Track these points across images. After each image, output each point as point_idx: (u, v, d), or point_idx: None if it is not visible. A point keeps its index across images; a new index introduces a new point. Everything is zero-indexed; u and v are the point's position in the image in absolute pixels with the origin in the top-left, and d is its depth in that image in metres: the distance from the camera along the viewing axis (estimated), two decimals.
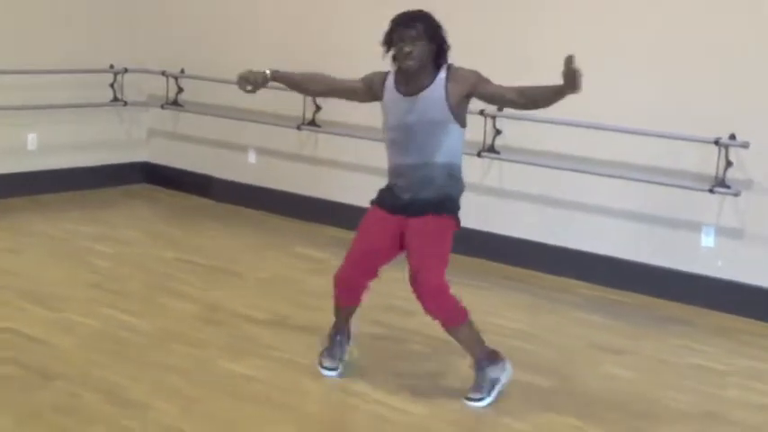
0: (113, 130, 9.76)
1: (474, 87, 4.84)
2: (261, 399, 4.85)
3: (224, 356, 5.36)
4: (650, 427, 4.81)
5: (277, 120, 8.71)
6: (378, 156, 7.50)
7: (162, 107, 9.62)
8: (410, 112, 4.86)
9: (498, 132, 7.46)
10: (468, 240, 7.61)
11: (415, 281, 4.78)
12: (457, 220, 4.99)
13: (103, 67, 9.42)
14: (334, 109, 8.23)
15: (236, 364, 5.25)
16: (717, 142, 6.47)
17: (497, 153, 7.48)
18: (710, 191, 6.54)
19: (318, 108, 8.34)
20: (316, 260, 7.32)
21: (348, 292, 5.06)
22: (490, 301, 6.68)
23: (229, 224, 8.55)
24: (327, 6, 8.51)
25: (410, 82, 4.87)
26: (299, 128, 8.53)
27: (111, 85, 9.51)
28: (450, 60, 4.88)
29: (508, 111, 7.31)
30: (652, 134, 6.77)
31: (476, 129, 7.43)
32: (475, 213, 7.58)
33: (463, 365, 5.14)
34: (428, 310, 4.84)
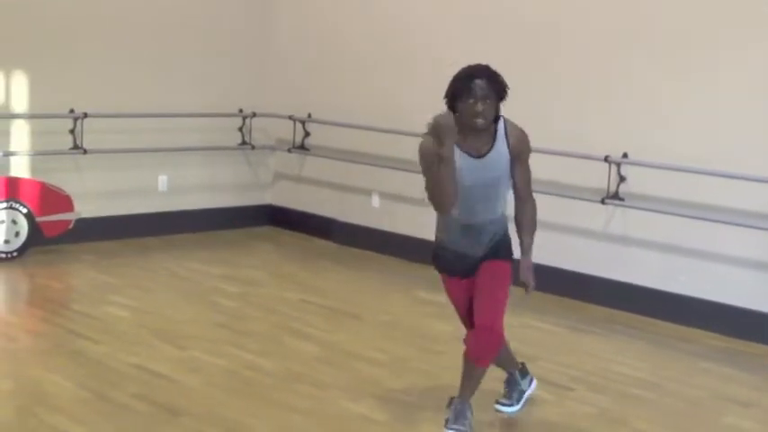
0: (241, 172, 9.98)
1: (521, 154, 4.83)
2: None
3: (345, 397, 5.42)
4: None
5: (400, 164, 8.79)
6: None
7: (288, 151, 9.80)
8: (477, 176, 4.74)
9: (623, 179, 7.42)
10: (590, 287, 7.61)
11: (480, 330, 4.78)
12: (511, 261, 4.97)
13: (233, 112, 9.65)
14: None
15: (357, 405, 5.30)
16: None
17: (621, 200, 7.44)
18: None
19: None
20: (437, 304, 7.32)
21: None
22: (612, 349, 6.62)
23: (351, 267, 8.64)
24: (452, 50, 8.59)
25: (474, 140, 4.74)
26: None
27: (240, 129, 9.73)
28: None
29: (633, 157, 7.30)
30: None
31: (600, 175, 7.43)
32: (598, 260, 7.57)
33: (584, 415, 5.11)
34: (476, 351, 4.80)
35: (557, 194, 7.71)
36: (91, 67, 8.75)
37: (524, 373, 5.32)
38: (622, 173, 7.42)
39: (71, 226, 8.43)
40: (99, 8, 8.81)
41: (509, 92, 4.76)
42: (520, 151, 4.80)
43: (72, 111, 8.57)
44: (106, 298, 7.19)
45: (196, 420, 4.99)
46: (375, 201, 9.22)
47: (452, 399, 4.92)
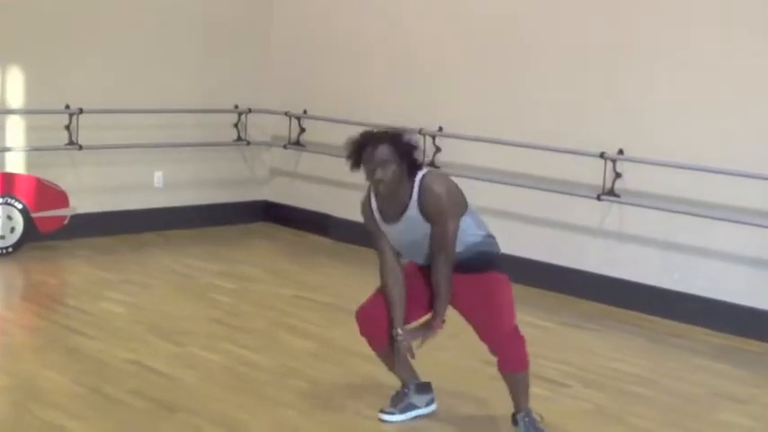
0: (236, 168, 9.97)
1: (432, 216, 4.64)
2: None
3: (341, 394, 5.42)
4: None
5: None
6: (493, 194, 7.55)
7: (284, 147, 9.79)
8: (402, 234, 4.74)
9: (618, 175, 7.42)
10: (586, 284, 7.61)
11: (503, 339, 4.79)
12: (503, 274, 4.88)
13: (228, 108, 9.64)
14: (454, 149, 8.31)
15: (354, 401, 5.30)
16: None
17: (617, 196, 7.43)
18: None
19: (438, 149, 8.40)
20: None
21: None
22: (609, 345, 6.64)
23: (347, 263, 8.64)
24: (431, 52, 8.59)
25: (391, 202, 4.73)
26: None
27: (236, 125, 9.72)
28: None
29: (629, 153, 7.30)
30: None
31: (595, 172, 7.43)
32: (594, 257, 7.57)
33: (580, 411, 5.12)
34: (510, 363, 4.81)
35: (552, 191, 7.72)
36: (87, 63, 8.74)
37: (424, 390, 5.11)
38: (618, 169, 7.42)
39: (66, 222, 8.41)
40: (96, 3, 8.81)
41: (416, 152, 4.68)
42: (430, 214, 4.63)
43: (68, 106, 8.56)
44: (102, 294, 7.18)
45: (192, 416, 4.99)
46: None
47: (514, 416, 4.88)
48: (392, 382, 5.25)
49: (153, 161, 9.29)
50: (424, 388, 5.10)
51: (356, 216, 9.27)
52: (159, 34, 9.18)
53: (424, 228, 4.67)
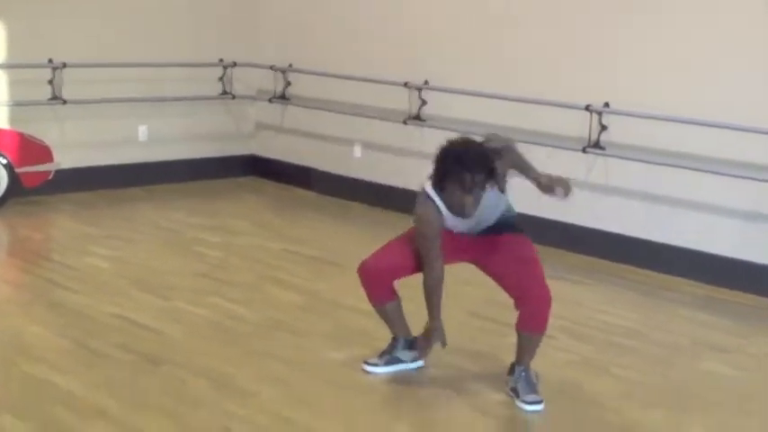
0: (221, 123, 9.93)
1: (509, 163, 4.79)
2: (362, 387, 4.91)
3: (327, 346, 5.43)
4: (753, 425, 4.75)
5: (383, 114, 8.76)
6: None
7: (270, 101, 9.75)
8: (477, 219, 4.81)
9: (604, 128, 7.40)
10: (573, 236, 7.63)
11: (535, 300, 4.80)
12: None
13: (213, 61, 9.58)
14: (439, 103, 8.29)
15: (339, 353, 5.32)
16: None
17: (603, 149, 7.43)
18: None
19: (424, 102, 8.37)
20: None
21: None
22: (596, 298, 6.65)
23: (334, 216, 8.64)
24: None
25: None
26: (405, 122, 8.57)
27: (221, 79, 9.67)
28: None
29: (615, 106, 7.29)
30: (760, 131, 6.65)
31: (581, 125, 7.42)
32: (580, 209, 7.56)
33: (565, 362, 5.14)
34: (534, 324, 4.82)
35: (538, 143, 7.68)
36: (69, 17, 8.67)
37: (413, 346, 5.10)
38: (604, 122, 7.40)
39: (51, 177, 8.37)
40: None
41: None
42: (507, 163, 4.78)
43: (51, 60, 8.49)
44: (87, 249, 7.17)
45: (178, 369, 5.00)
46: (357, 151, 9.19)
47: (512, 366, 4.89)
48: (380, 334, 5.27)
49: (137, 115, 9.24)
50: (413, 344, 5.10)
51: (339, 169, 9.36)
52: None
53: (499, 207, 4.85)
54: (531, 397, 4.77)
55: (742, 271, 6.90)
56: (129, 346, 5.26)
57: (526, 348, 4.85)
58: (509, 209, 4.95)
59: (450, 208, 4.71)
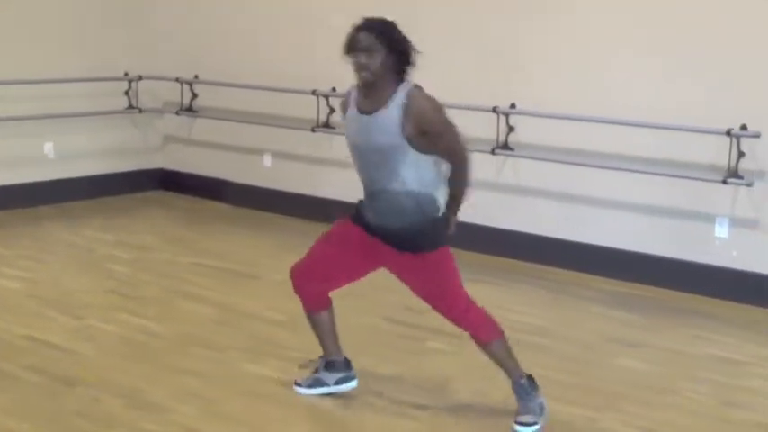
0: (129, 137, 9.83)
1: (426, 127, 4.45)
2: (280, 399, 4.89)
3: (242, 358, 5.41)
4: (668, 417, 4.83)
5: (291, 123, 8.75)
6: None
7: (177, 113, 9.68)
8: (361, 133, 4.53)
9: (511, 129, 7.48)
10: (483, 238, 7.68)
11: (459, 320, 4.74)
12: (443, 247, 4.72)
13: (118, 75, 9.49)
14: None
15: (255, 365, 5.30)
16: (729, 133, 6.48)
17: (511, 150, 7.51)
18: (724, 182, 6.54)
19: (332, 110, 8.38)
20: None
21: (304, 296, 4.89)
22: (507, 298, 6.71)
23: (246, 228, 8.60)
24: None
25: (369, 98, 4.51)
26: (313, 130, 8.57)
27: (126, 93, 9.57)
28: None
29: (522, 107, 7.37)
30: (664, 127, 6.78)
31: (489, 126, 7.48)
32: (489, 210, 7.63)
33: (481, 364, 5.17)
34: (479, 335, 4.76)
35: None
36: None
37: (335, 368, 4.94)
38: (511, 123, 7.48)
39: None
40: None
41: (409, 49, 4.54)
42: (422, 124, 4.41)
43: None
44: None
45: (92, 389, 4.94)
46: (267, 160, 9.17)
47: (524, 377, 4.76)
48: (296, 345, 5.27)
49: (43, 133, 9.11)
50: (336, 366, 4.94)
51: (250, 180, 9.31)
52: (45, 3, 8.96)
53: (388, 138, 4.42)
54: (523, 417, 4.64)
55: (649, 265, 7.03)
56: (40, 368, 5.18)
57: (495, 361, 4.76)
58: (425, 185, 4.54)
59: (359, 91, 4.58)
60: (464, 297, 4.73)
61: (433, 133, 4.46)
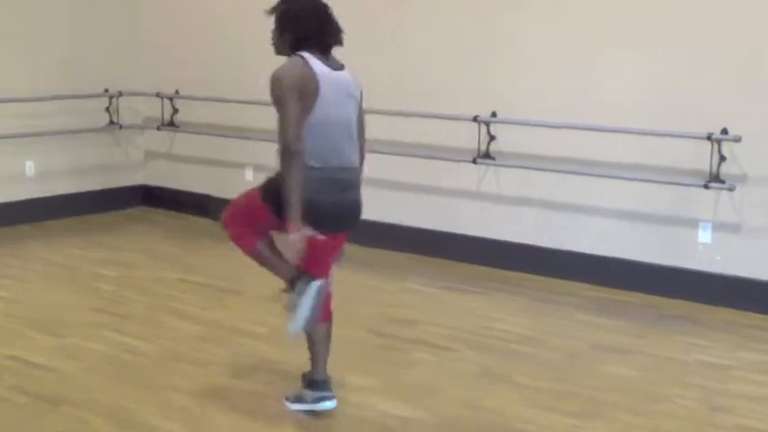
0: (110, 153, 9.81)
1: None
2: (267, 414, 4.87)
3: (229, 374, 5.39)
4: (656, 423, 4.83)
5: (272, 136, 8.69)
6: (370, 163, 7.59)
7: (158, 129, 9.66)
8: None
9: (492, 138, 7.49)
10: (467, 247, 7.69)
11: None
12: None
13: (98, 92, 9.46)
14: None
15: (242, 380, 5.27)
16: (709, 138, 6.50)
17: (492, 159, 7.51)
18: (705, 186, 6.56)
19: None
20: None
21: None
22: (490, 307, 6.71)
23: (229, 243, 8.55)
24: None
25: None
26: None
27: (107, 109, 9.55)
28: None
29: (502, 116, 7.38)
30: (645, 133, 6.81)
31: (470, 135, 7.49)
32: (473, 220, 7.64)
33: (467, 374, 5.17)
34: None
35: (428, 157, 7.76)
36: None
37: (315, 386, 4.87)
38: (492, 132, 7.49)
39: None
40: None
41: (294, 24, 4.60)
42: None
43: None
44: None
45: (78, 408, 4.89)
46: (249, 174, 9.15)
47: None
48: (283, 359, 5.24)
49: (23, 151, 9.06)
50: (315, 384, 4.88)
51: (233, 194, 9.19)
52: (21, 19, 8.92)
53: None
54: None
55: (633, 271, 7.04)
56: (24, 388, 5.14)
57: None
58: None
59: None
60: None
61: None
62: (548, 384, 5.28)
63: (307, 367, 4.95)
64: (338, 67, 4.66)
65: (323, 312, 4.78)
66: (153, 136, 9.86)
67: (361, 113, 4.86)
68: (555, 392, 5.18)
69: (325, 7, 4.67)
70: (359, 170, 4.81)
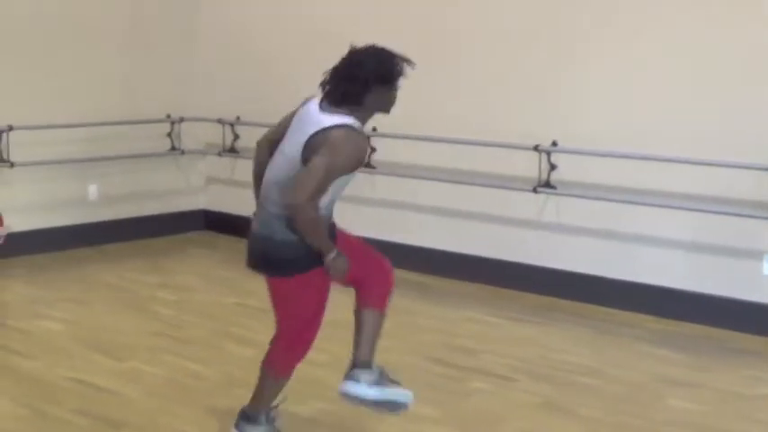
0: (171, 178, 9.88)
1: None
2: None
3: (288, 400, 5.37)
4: None
5: None
6: (429, 191, 7.56)
7: (219, 154, 9.72)
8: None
9: (553, 167, 7.45)
10: (528, 276, 7.64)
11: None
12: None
13: (160, 117, 9.55)
14: (387, 148, 8.28)
15: (301, 407, 5.26)
16: None
17: (554, 188, 7.47)
18: None
19: (373, 149, 8.37)
20: None
21: None
22: (554, 338, 6.65)
23: None
24: None
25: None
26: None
27: (169, 135, 9.63)
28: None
29: (563, 145, 7.34)
30: (706, 163, 6.73)
31: (531, 164, 7.46)
32: (533, 249, 7.60)
33: (528, 404, 5.12)
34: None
35: (489, 186, 7.73)
36: (12, 79, 8.57)
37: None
38: (553, 161, 7.45)
39: (2, 242, 8.24)
40: (14, 14, 8.61)
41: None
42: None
43: None
44: (40, 312, 7.07)
45: (138, 431, 4.92)
46: None
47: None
48: (338, 385, 5.21)
49: (87, 175, 9.16)
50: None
51: None
52: (85, 45, 9.04)
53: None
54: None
55: (695, 303, 6.95)
56: (87, 411, 5.17)
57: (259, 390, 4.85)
58: None
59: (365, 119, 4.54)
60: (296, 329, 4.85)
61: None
62: (610, 417, 5.22)
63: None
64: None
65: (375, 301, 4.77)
66: (214, 162, 9.92)
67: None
68: (617, 425, 5.12)
69: None
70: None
